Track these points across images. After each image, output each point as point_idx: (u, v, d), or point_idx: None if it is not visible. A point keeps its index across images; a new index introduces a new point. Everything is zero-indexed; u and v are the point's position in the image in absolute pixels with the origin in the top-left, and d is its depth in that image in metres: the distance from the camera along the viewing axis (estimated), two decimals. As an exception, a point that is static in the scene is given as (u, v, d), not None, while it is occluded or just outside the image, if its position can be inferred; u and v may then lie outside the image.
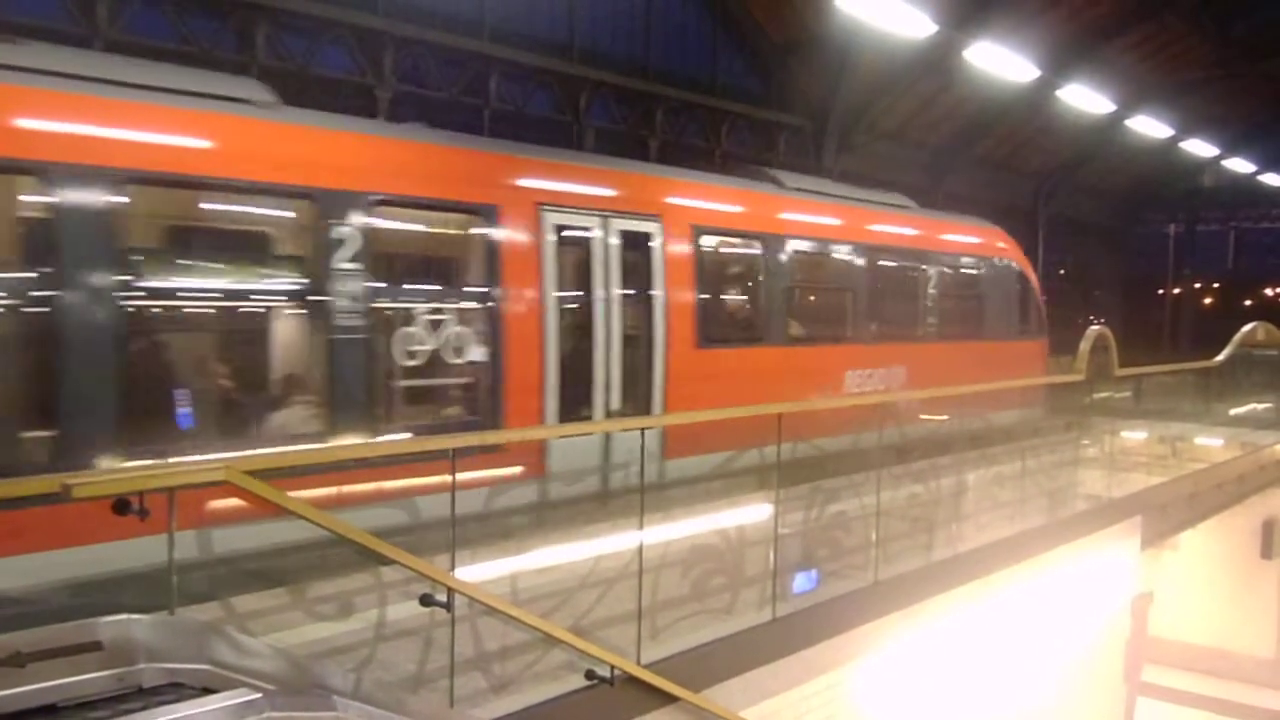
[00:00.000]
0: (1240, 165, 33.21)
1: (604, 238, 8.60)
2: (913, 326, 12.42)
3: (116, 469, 5.29)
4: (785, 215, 10.74)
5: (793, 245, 10.55)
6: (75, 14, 12.57)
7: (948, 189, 26.37)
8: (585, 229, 8.50)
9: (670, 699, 5.78)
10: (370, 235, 6.90)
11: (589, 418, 8.35)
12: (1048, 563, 9.81)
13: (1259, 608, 18.56)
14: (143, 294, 6.04)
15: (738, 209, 10.42)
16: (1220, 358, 17.60)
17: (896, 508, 8.55)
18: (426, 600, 4.70)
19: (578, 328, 8.38)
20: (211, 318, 6.95)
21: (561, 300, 8.17)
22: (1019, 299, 14.26)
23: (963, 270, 13.41)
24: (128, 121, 6.08)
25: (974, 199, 26.75)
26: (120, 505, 3.69)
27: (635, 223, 8.85)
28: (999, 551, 9.10)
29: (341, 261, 6.73)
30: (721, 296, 10.09)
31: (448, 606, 4.70)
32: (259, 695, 3.49)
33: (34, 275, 5.67)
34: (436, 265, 8.28)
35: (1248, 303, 41.34)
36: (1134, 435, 14.02)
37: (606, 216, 8.63)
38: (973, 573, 8.70)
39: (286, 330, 7.01)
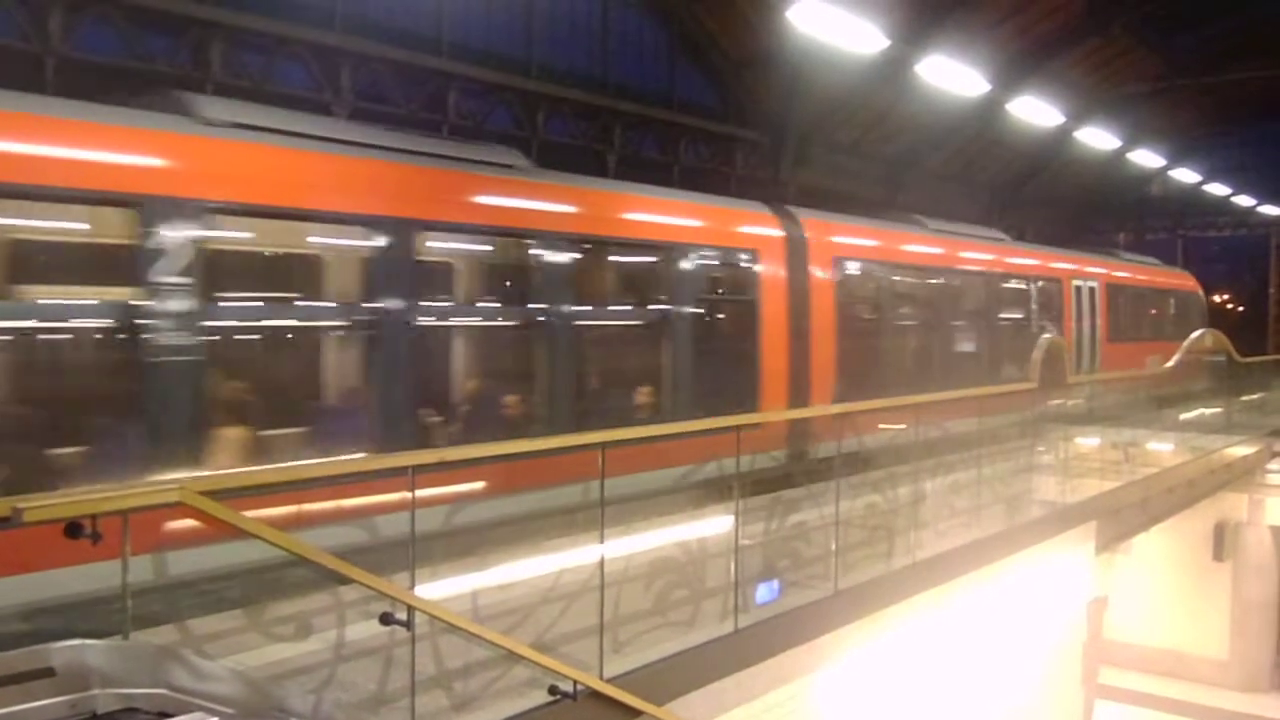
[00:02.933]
0: (1186, 175, 33.89)
1: (1082, 289, 17.74)
2: (1160, 331, 21.25)
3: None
4: (1122, 274, 20.22)
5: (1129, 289, 20.29)
6: (27, 31, 12.39)
7: (904, 201, 26.67)
8: (1078, 287, 17.60)
9: (634, 713, 5.79)
10: (1041, 291, 16.44)
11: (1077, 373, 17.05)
12: (1005, 569, 9.94)
13: (1211, 609, 18.91)
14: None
15: (1120, 273, 20.12)
16: (1170, 364, 17.97)
17: (857, 517, 8.64)
18: (386, 619, 4.68)
19: (1079, 332, 17.53)
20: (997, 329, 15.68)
21: (1075, 319, 17.37)
22: (1199, 315, 23.49)
23: (1177, 298, 23.10)
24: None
25: (931, 210, 27.09)
26: (72, 529, 3.64)
27: (1091, 282, 18.23)
28: (957, 558, 9.21)
29: (1037, 306, 16.27)
30: (1112, 315, 18.83)
31: (408, 625, 4.69)
32: (216, 719, 3.47)
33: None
34: (1048, 304, 16.69)
35: (1196, 310, 42.18)
36: (1087, 441, 14.24)
37: (1085, 280, 17.92)
38: (932, 580, 8.80)
39: (1018, 331, 15.98)
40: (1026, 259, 16.64)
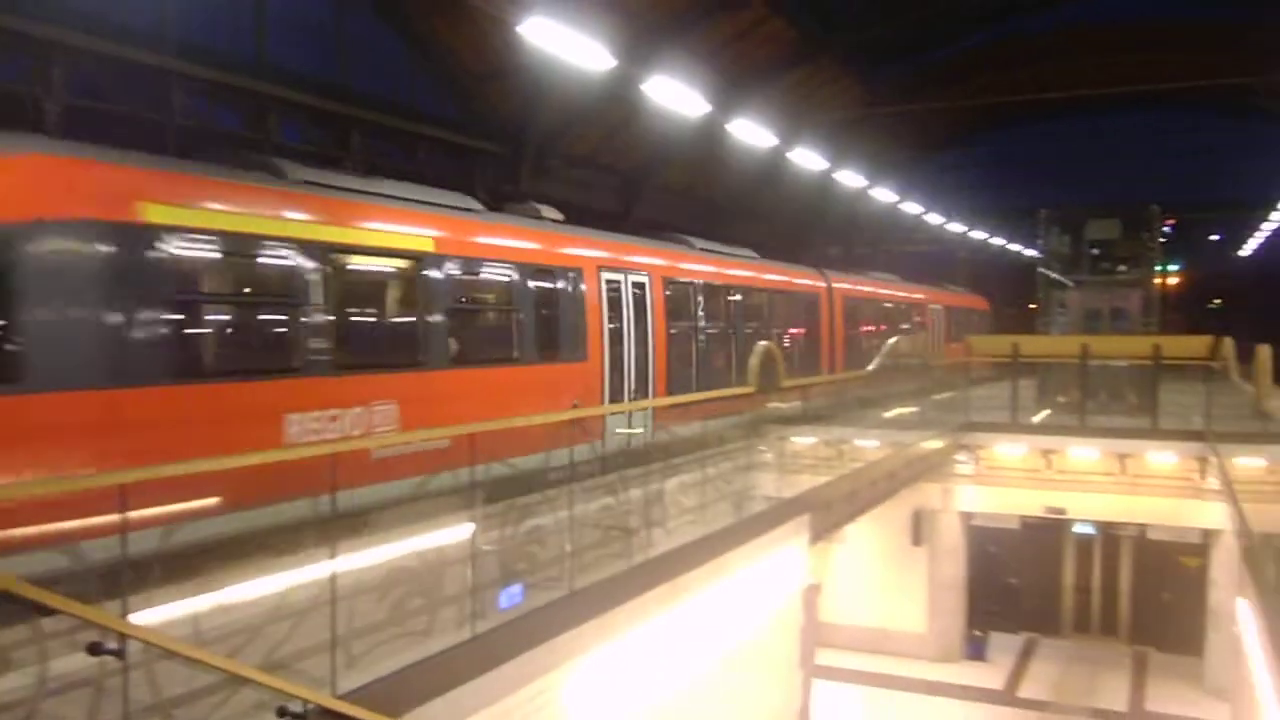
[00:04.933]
0: (885, 195, 37.10)
1: (938, 310, 30.75)
2: (968, 335, 27.06)
3: None
4: (952, 300, 33.23)
5: (955, 309, 32.89)
6: None
7: (639, 214, 27.68)
8: (934, 309, 30.47)
9: (369, 727, 5.79)
10: (921, 311, 29.50)
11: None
12: (729, 562, 10.60)
13: (912, 589, 20.95)
14: None
15: (951, 299, 33.24)
16: (871, 367, 19.76)
17: (591, 517, 9.00)
18: (96, 649, 4.47)
19: (935, 335, 29.32)
20: None
21: (934, 328, 29.76)
22: (988, 323, 34.74)
23: (978, 313, 34.87)
24: None
25: (664, 223, 28.31)
26: None
27: (939, 305, 31.00)
28: (685, 555, 9.74)
29: (918, 319, 28.94)
30: (949, 326, 31.13)
31: (120, 654, 4.50)
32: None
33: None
34: (923, 318, 29.22)
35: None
36: (803, 440, 15.40)
37: (936, 304, 30.86)
38: (662, 576, 9.27)
39: (916, 333, 28.34)
40: (915, 293, 28.77)
